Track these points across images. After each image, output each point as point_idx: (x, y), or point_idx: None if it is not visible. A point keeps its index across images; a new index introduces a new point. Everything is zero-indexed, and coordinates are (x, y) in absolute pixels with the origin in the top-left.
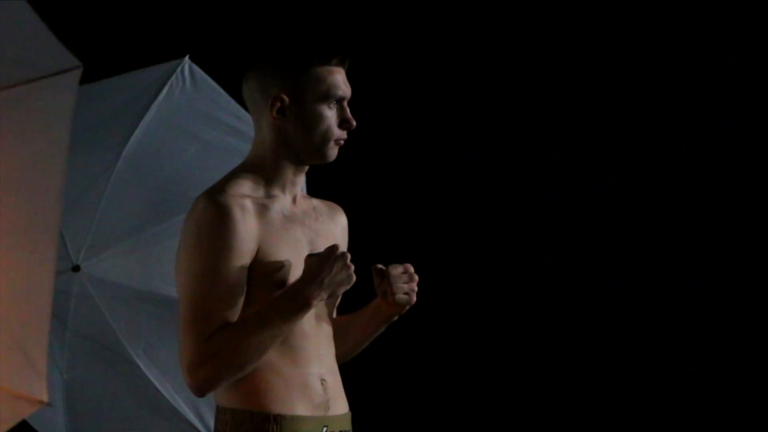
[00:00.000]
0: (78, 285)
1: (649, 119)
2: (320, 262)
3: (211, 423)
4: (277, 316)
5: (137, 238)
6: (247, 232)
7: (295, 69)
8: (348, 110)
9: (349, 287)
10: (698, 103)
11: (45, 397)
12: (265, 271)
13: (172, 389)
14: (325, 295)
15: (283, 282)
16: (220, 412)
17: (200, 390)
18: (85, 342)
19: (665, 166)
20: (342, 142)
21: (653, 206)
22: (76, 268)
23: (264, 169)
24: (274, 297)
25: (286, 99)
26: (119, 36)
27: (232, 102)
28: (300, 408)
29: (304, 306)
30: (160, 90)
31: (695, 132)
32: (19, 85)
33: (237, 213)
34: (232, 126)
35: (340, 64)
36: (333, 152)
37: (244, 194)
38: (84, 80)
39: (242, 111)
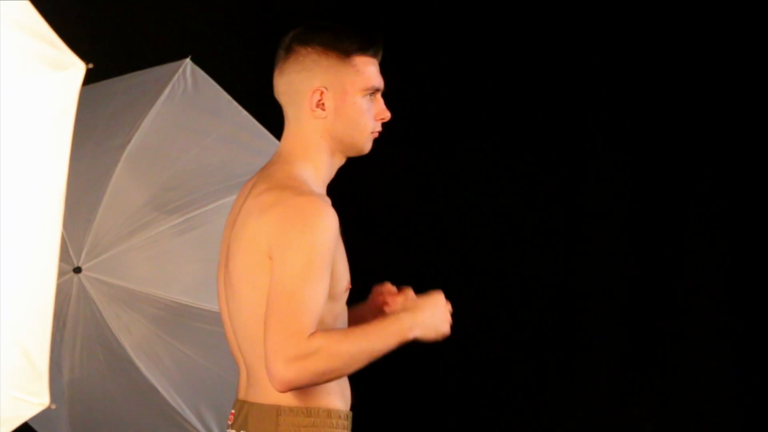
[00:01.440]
0: (79, 286)
1: (649, 119)
2: (425, 303)
3: (212, 424)
4: (377, 338)
5: (139, 239)
6: (338, 235)
7: (336, 58)
8: (382, 102)
9: (438, 338)
10: (697, 104)
11: (47, 399)
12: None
13: (173, 391)
14: (419, 335)
15: (334, 289)
16: (267, 410)
17: (290, 384)
18: (86, 344)
19: (670, 165)
20: (377, 134)
21: (653, 206)
22: (77, 270)
23: (312, 164)
24: (377, 320)
25: (328, 91)
26: (122, 37)
27: (234, 103)
28: (342, 402)
29: (401, 338)
30: (162, 91)
31: (694, 132)
32: (22, 85)
33: (333, 212)
34: (234, 127)
35: (375, 55)
36: (369, 145)
37: (319, 192)
38: (87, 81)
39: (244, 112)
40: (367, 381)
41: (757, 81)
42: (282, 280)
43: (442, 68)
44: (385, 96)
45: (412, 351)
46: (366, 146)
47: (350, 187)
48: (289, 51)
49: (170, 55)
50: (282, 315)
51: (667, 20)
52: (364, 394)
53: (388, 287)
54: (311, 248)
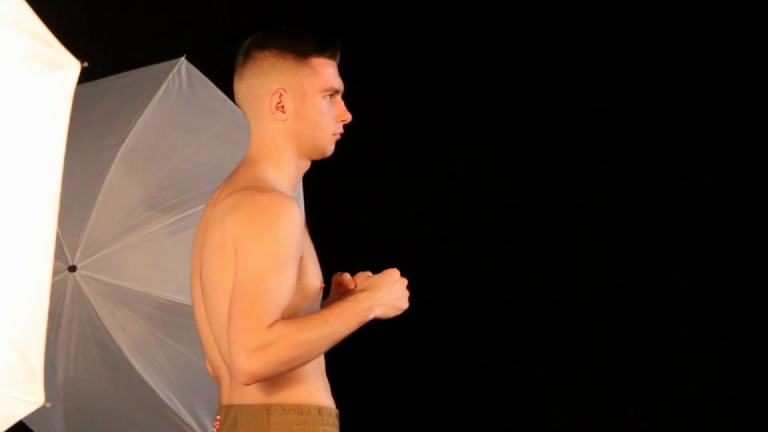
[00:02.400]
0: (74, 285)
1: (646, 116)
2: (380, 281)
3: (207, 423)
4: (336, 322)
5: (134, 237)
6: (303, 230)
7: (294, 61)
8: (343, 104)
9: (400, 313)
10: (696, 101)
11: (41, 398)
12: (299, 273)
13: (168, 390)
14: (379, 314)
15: (306, 289)
16: (256, 410)
17: (253, 376)
18: (81, 342)
19: (666, 163)
20: (339, 136)
21: (649, 204)
22: (72, 268)
23: (276, 166)
24: (335, 304)
25: (286, 93)
26: (117, 36)
27: (229, 101)
28: (329, 400)
29: (361, 318)
30: (157, 89)
31: (692, 130)
32: (16, 83)
33: (296, 207)
34: (230, 125)
35: (333, 56)
36: (332, 147)
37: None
38: (81, 79)
39: (239, 110)
40: (356, 381)
41: (752, 76)
42: (244, 274)
43: (438, 63)
44: (384, 92)
45: (405, 351)
46: (328, 148)
47: (323, 186)
48: (247, 56)
49: (165, 53)
50: (243, 307)
51: (666, 16)
52: (353, 394)
53: (346, 277)
54: (274, 241)
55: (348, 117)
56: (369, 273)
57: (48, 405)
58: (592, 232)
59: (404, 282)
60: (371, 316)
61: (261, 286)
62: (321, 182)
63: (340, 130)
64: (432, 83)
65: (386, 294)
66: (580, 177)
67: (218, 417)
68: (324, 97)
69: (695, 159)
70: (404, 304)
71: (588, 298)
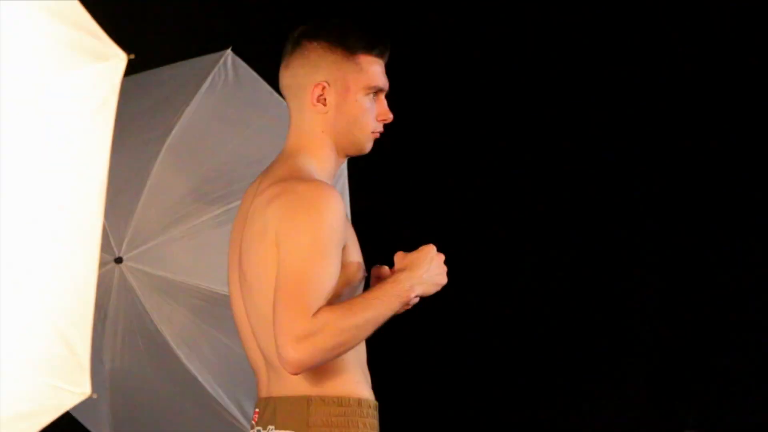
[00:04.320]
0: (120, 277)
1: (646, 120)
2: (419, 259)
3: (251, 413)
4: (380, 304)
5: (179, 229)
6: (344, 219)
7: (341, 55)
8: (386, 103)
9: (439, 289)
10: (695, 104)
11: (88, 389)
12: (342, 263)
13: (213, 381)
14: (420, 292)
15: (350, 279)
16: (296, 402)
17: (300, 365)
18: (127, 333)
19: (672, 165)
20: (378, 135)
21: (653, 208)
22: (118, 260)
23: (315, 158)
24: (376, 287)
25: (330, 86)
26: (163, 28)
27: (275, 93)
28: (369, 392)
29: (403, 299)
30: (203, 81)
31: (692, 132)
32: (63, 76)
33: (338, 196)
34: (275, 117)
35: (381, 55)
36: (370, 144)
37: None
38: (128, 72)
39: (284, 102)
40: (396, 373)
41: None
42: (288, 263)
43: (452, 66)
44: (393, 94)
45: (438, 347)
46: (366, 146)
47: (364, 180)
48: (296, 45)
49: (211, 45)
50: (288, 296)
51: (671, 20)
52: (390, 388)
53: (385, 270)
54: (316, 229)
55: (389, 117)
56: (403, 253)
57: (95, 396)
58: (598, 234)
59: (441, 257)
60: (413, 296)
61: (305, 275)
62: (366, 174)
63: (380, 129)
64: (476, 80)
65: (426, 272)
66: (586, 178)
67: (257, 410)
68: (367, 94)
69: (737, 160)
70: (443, 280)
71: (593, 299)
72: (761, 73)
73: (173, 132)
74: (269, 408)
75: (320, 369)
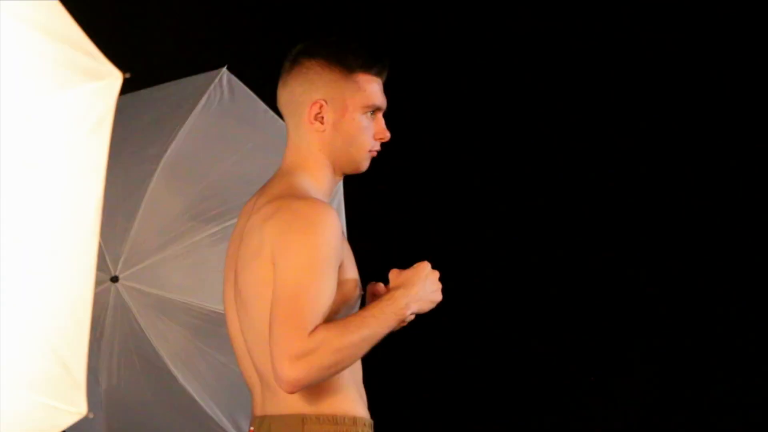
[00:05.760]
0: (116, 296)
1: (645, 120)
2: (414, 277)
3: None
4: (376, 323)
5: (175, 248)
6: (341, 237)
7: (339, 73)
8: (383, 122)
9: (435, 306)
10: (695, 103)
11: (84, 408)
12: (339, 281)
13: (210, 399)
14: (416, 309)
15: (346, 296)
16: (291, 420)
17: (296, 384)
18: (123, 352)
19: (672, 165)
20: (375, 153)
21: (655, 208)
22: (114, 279)
23: (312, 177)
24: (372, 305)
25: (327, 105)
26: (159, 46)
27: (270, 112)
28: (364, 410)
29: (399, 317)
30: (198, 100)
31: (692, 132)
32: (60, 94)
33: (334, 214)
34: (271, 136)
35: (380, 74)
36: (366, 163)
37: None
38: (124, 90)
39: (280, 120)
40: (392, 391)
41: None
42: (284, 281)
43: (444, 70)
44: (391, 112)
45: (434, 365)
46: (363, 164)
47: (360, 198)
48: (294, 62)
49: (207, 64)
50: (285, 314)
51: (668, 21)
52: (386, 406)
53: (381, 287)
54: (312, 248)
55: (386, 135)
56: (398, 270)
57: (91, 415)
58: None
59: (436, 274)
60: (409, 313)
61: (301, 293)
62: (361, 191)
63: (377, 147)
64: (469, 80)
65: (421, 289)
66: (585, 178)
67: (251, 428)
68: (364, 113)
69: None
70: (438, 297)
71: (593, 299)
72: (761, 73)
73: (169, 151)
74: (264, 426)
75: (315, 387)
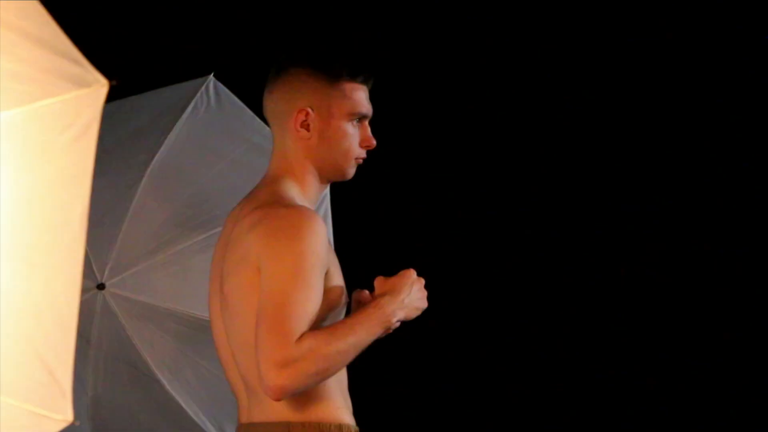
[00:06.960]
0: (103, 303)
1: (645, 122)
2: (400, 284)
3: None
4: (362, 330)
5: (162, 255)
6: (327, 245)
7: (325, 81)
8: (369, 129)
9: (420, 313)
10: (694, 103)
11: (70, 416)
12: (325, 289)
13: (197, 407)
14: (402, 317)
15: (332, 304)
16: (277, 428)
17: (283, 391)
18: (109, 360)
19: (671, 165)
20: (361, 161)
21: (655, 207)
22: (101, 286)
23: (298, 184)
24: (358, 312)
25: (312, 112)
26: (144, 53)
27: (257, 119)
28: (350, 418)
29: (386, 324)
30: (185, 108)
31: (691, 132)
32: (44, 101)
33: (320, 221)
34: (257, 143)
35: (365, 81)
36: (352, 171)
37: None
38: (109, 98)
39: (267, 128)
40: (378, 399)
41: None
42: (270, 288)
43: (438, 73)
44: (377, 119)
45: (420, 372)
46: (348, 171)
47: (346, 205)
48: (280, 70)
49: (193, 71)
50: (271, 322)
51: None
52: (371, 413)
53: (365, 295)
54: (298, 255)
55: (372, 143)
56: (383, 278)
57: (77, 423)
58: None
59: (422, 281)
60: (395, 321)
61: (287, 300)
62: (347, 198)
63: (363, 155)
64: (456, 87)
65: (407, 296)
66: (585, 178)
67: None
68: (350, 120)
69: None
70: (424, 304)
71: (595, 298)
72: (761, 73)
73: (155, 158)
74: None
75: (301, 394)
